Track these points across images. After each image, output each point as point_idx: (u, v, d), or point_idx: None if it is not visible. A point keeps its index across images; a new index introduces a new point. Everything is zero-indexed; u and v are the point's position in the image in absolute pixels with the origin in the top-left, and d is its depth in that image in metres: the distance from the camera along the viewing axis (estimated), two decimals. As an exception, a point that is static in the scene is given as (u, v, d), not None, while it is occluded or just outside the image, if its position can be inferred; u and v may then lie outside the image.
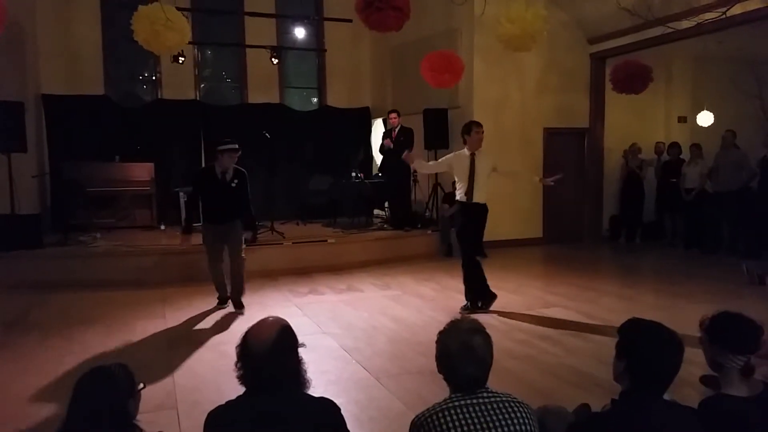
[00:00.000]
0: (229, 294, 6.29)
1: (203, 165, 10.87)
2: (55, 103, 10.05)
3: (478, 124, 6.10)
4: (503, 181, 9.71)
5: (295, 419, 1.96)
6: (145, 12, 6.26)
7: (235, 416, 1.97)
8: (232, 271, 6.17)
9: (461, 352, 2.00)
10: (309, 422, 1.98)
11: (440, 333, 2.12)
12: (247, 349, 2.01)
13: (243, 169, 6.05)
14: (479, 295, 6.06)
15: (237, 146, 5.91)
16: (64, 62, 10.26)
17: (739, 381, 2.23)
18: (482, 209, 6.07)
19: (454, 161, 6.12)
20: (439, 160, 6.36)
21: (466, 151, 6.04)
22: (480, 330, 2.09)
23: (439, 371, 2.09)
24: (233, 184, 5.91)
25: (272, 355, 1.97)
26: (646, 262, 9.44)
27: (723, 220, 9.33)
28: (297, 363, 2.06)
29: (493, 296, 6.06)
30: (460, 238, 6.45)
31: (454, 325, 2.12)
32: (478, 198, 6.00)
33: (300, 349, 2.09)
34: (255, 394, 1.99)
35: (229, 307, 6.26)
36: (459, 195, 6.10)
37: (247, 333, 2.06)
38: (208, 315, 6.06)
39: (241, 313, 6.07)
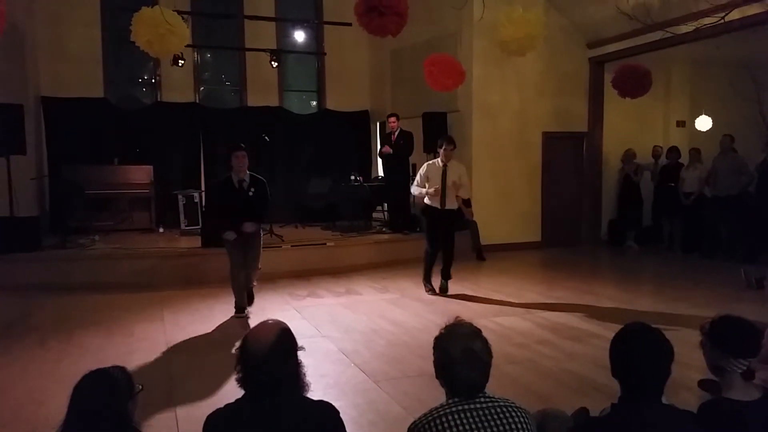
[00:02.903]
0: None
1: (202, 170, 10.93)
2: (54, 105, 10.06)
3: (449, 142, 6.77)
4: (501, 185, 9.87)
5: (294, 422, 1.95)
6: (144, 15, 6.26)
7: (233, 420, 1.96)
8: (245, 279, 6.06)
9: (464, 357, 1.98)
10: (308, 425, 1.98)
11: (437, 338, 2.09)
12: (246, 351, 2.00)
13: (263, 178, 6.02)
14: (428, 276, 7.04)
15: (242, 146, 5.88)
16: (64, 65, 10.25)
17: (741, 385, 2.22)
18: (453, 214, 6.85)
19: (429, 171, 6.81)
20: (418, 177, 6.98)
21: (439, 162, 6.76)
22: (479, 334, 2.08)
23: (438, 377, 2.06)
24: (250, 193, 5.87)
25: (271, 358, 1.97)
26: (644, 267, 9.44)
27: (721, 225, 9.34)
28: (296, 366, 2.05)
29: (431, 288, 6.99)
30: (427, 237, 7.02)
31: (453, 330, 2.09)
32: (450, 205, 6.74)
33: (299, 353, 2.09)
34: (254, 398, 1.98)
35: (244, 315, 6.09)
36: (430, 201, 6.78)
37: (246, 336, 2.06)
38: (206, 317, 6.04)
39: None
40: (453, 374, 2.00)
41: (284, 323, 2.12)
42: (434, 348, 2.08)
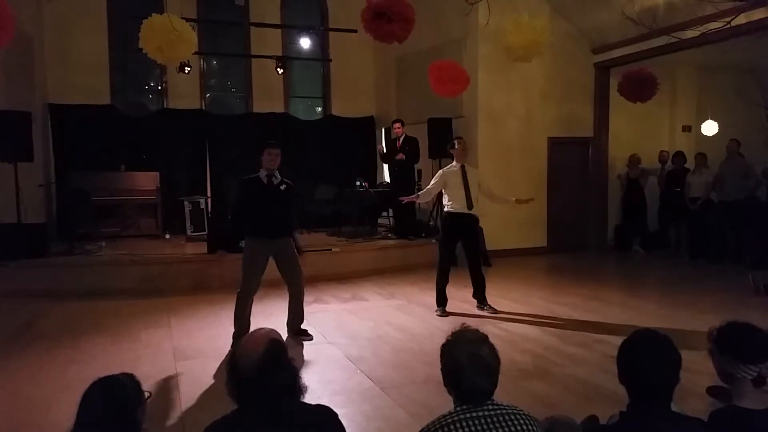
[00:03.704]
0: (287, 323, 5.55)
1: (209, 176, 10.96)
2: (61, 112, 10.15)
3: (461, 137, 6.73)
4: (507, 190, 9.76)
5: (293, 429, 1.94)
6: (153, 22, 6.29)
7: (232, 429, 1.94)
8: (292, 294, 5.51)
9: (471, 363, 1.98)
10: (308, 431, 1.97)
11: (444, 345, 2.09)
12: (235, 365, 1.98)
13: (291, 182, 5.53)
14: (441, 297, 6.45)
15: (275, 143, 5.39)
16: (71, 72, 10.34)
17: (751, 392, 2.20)
18: (476, 222, 6.50)
19: (446, 176, 6.40)
20: (433, 181, 6.54)
21: (455, 164, 6.40)
22: (486, 340, 2.07)
23: (446, 383, 2.05)
24: (282, 187, 5.36)
25: (261, 371, 1.94)
26: (651, 272, 9.39)
27: (728, 230, 9.30)
28: (288, 376, 2.02)
29: (443, 312, 6.37)
30: (441, 250, 6.57)
31: (459, 336, 2.09)
32: (475, 209, 6.36)
33: (302, 359, 2.07)
34: (247, 409, 1.96)
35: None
36: (455, 207, 6.33)
37: (235, 349, 2.04)
38: (213, 323, 6.04)
39: (309, 340, 5.45)
40: (460, 380, 1.99)
41: (275, 333, 2.09)
42: (441, 354, 2.08)
